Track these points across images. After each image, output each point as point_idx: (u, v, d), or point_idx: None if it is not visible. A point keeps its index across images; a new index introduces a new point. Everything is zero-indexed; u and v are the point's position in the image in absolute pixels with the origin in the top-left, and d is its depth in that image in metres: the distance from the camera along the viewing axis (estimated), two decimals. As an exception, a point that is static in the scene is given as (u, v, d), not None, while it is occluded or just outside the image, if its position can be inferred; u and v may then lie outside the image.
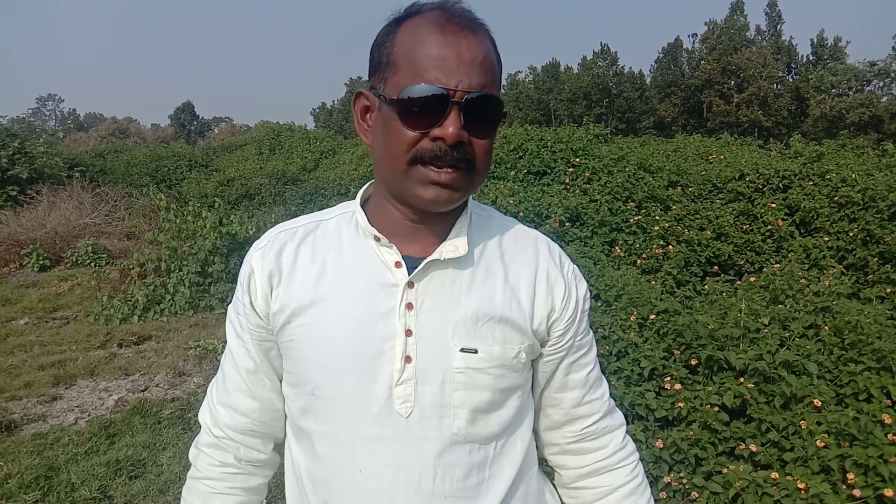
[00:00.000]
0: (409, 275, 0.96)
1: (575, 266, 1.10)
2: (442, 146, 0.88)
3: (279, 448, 1.15)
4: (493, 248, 1.03)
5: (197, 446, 1.13)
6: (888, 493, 2.52)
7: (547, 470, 1.20)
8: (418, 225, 0.99)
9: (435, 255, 0.97)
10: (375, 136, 0.95)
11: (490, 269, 1.01)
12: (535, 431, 1.16)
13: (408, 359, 0.95)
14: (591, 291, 4.30)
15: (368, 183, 1.08)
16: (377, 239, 0.98)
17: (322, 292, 0.98)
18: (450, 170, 0.90)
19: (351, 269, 0.99)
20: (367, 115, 0.98)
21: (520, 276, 1.03)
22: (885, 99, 42.21)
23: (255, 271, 1.02)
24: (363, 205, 1.04)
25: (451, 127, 0.86)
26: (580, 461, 1.12)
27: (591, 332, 1.14)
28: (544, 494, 1.14)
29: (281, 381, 1.08)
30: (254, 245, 1.06)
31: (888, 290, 5.11)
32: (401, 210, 0.98)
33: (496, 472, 1.01)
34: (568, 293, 1.05)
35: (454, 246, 0.98)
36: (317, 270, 0.99)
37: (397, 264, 0.97)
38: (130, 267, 7.56)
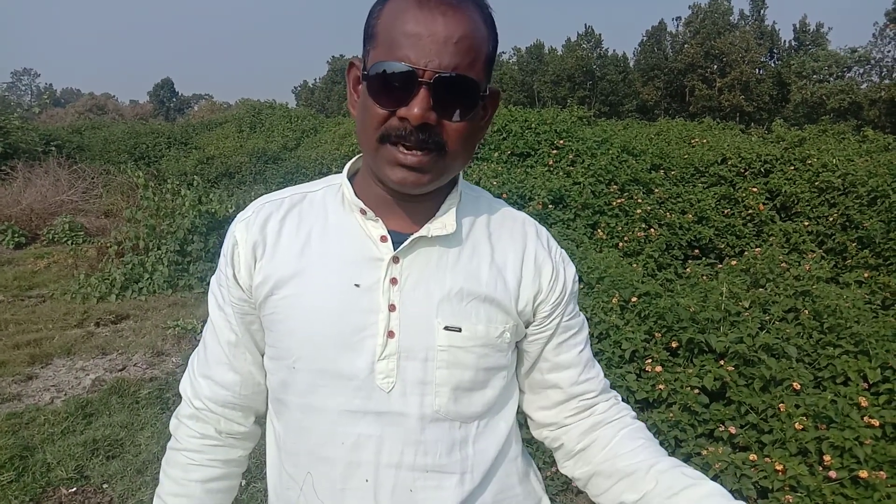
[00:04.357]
0: (394, 250, 0.95)
1: (562, 249, 1.10)
2: (407, 126, 0.85)
3: (260, 421, 1.14)
4: (480, 227, 1.03)
5: (177, 417, 1.12)
6: (863, 474, 2.55)
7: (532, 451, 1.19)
8: (399, 202, 0.98)
9: (422, 232, 0.96)
10: (357, 108, 0.93)
11: (476, 249, 1.00)
12: (528, 415, 1.15)
13: (390, 334, 0.94)
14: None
15: (357, 156, 1.06)
16: (363, 212, 0.97)
17: (306, 264, 0.96)
18: (417, 152, 0.87)
19: (336, 242, 0.97)
20: (358, 87, 0.95)
21: (506, 256, 1.02)
22: (864, 86, 42.59)
23: (239, 242, 1.00)
24: (351, 178, 1.03)
25: (416, 107, 0.84)
26: (578, 427, 1.09)
27: (582, 315, 1.12)
28: (529, 476, 1.14)
29: (263, 356, 1.07)
30: (238, 216, 1.04)
31: (866, 275, 5.17)
32: (381, 186, 0.97)
33: (479, 450, 1.01)
34: (556, 275, 1.04)
35: (442, 223, 0.97)
36: (301, 242, 0.98)
37: (383, 238, 0.96)
38: (108, 245, 7.45)
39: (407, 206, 0.98)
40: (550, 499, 1.21)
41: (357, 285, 0.95)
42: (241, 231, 1.01)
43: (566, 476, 1.12)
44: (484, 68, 0.90)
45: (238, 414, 1.10)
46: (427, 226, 0.96)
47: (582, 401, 1.09)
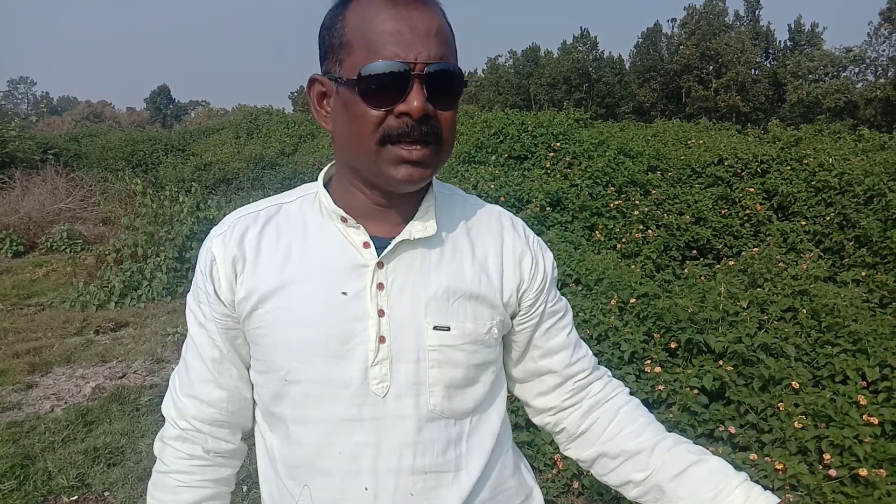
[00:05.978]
0: (377, 255, 0.96)
1: (539, 237, 1.12)
2: (409, 122, 0.86)
3: (247, 437, 1.13)
4: (458, 225, 1.04)
5: (162, 440, 1.10)
6: (863, 472, 2.56)
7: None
8: (384, 207, 0.98)
9: (404, 236, 0.96)
10: (337, 120, 0.93)
11: (457, 247, 1.02)
12: (526, 402, 1.18)
13: (381, 339, 0.95)
14: (571, 276, 4.28)
15: (329, 164, 1.06)
16: (344, 220, 0.97)
17: (289, 276, 0.96)
18: (419, 146, 0.88)
19: (318, 252, 0.97)
20: (324, 101, 0.96)
21: (487, 251, 1.04)
22: (860, 85, 42.76)
23: (217, 258, 0.99)
24: (326, 186, 1.03)
25: (415, 101, 0.85)
26: (578, 408, 1.12)
27: (565, 299, 1.15)
28: (520, 468, 1.16)
29: (248, 370, 1.06)
30: (212, 231, 1.03)
31: (864, 274, 5.18)
32: (367, 193, 0.97)
33: (474, 445, 1.03)
34: (535, 264, 1.07)
35: (423, 226, 0.98)
36: (282, 254, 0.98)
37: (365, 245, 0.96)
38: (107, 252, 7.45)
39: (386, 211, 0.98)
40: (552, 501, 1.22)
41: (344, 293, 0.95)
42: (219, 246, 0.99)
43: (567, 477, 1.14)
44: (457, 58, 0.93)
45: (225, 431, 1.08)
46: (408, 229, 0.97)
47: (577, 381, 1.12)
